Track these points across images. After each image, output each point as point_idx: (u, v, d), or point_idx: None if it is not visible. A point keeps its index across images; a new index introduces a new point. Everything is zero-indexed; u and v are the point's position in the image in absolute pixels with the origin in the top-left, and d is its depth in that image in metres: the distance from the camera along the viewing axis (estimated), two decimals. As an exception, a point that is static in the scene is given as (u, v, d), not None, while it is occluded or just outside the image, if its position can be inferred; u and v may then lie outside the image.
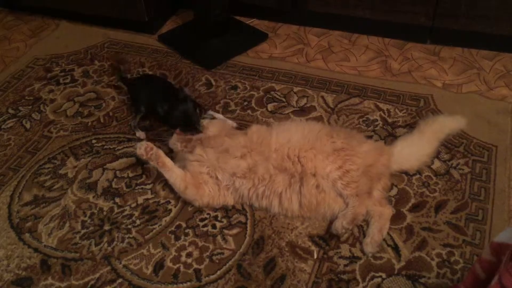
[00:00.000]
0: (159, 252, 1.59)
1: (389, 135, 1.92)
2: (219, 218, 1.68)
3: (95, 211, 1.74)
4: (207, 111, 2.04)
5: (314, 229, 1.62)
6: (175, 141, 1.84)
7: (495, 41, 2.28)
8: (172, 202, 1.75)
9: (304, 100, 2.13)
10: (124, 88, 2.27)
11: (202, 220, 1.68)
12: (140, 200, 1.77)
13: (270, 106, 2.12)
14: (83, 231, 1.68)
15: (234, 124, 2.00)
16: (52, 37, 2.75)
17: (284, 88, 2.21)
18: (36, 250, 1.63)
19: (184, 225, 1.67)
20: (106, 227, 1.69)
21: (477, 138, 1.87)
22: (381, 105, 2.06)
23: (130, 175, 1.87)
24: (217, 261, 1.55)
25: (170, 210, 1.72)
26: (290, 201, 1.63)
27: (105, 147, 2.00)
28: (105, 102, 2.23)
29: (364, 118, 2.01)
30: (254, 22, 2.70)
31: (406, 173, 1.76)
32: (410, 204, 1.67)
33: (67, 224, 1.71)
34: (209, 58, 2.42)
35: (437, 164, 1.79)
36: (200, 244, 1.61)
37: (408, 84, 2.18)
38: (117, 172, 1.88)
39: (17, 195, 1.83)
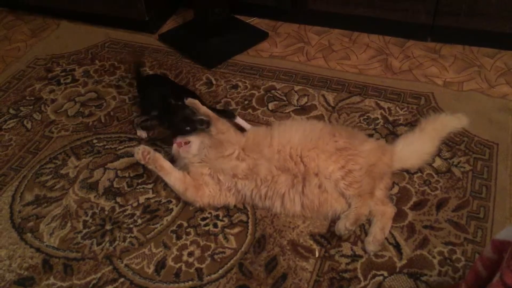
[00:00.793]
0: (161, 251, 1.60)
1: (390, 134, 1.92)
2: (220, 217, 1.68)
3: (97, 211, 1.75)
4: (235, 117, 1.96)
5: (315, 228, 1.62)
6: (176, 148, 1.81)
7: (496, 39, 2.28)
8: (173, 201, 1.75)
9: (305, 99, 2.13)
10: (125, 88, 2.27)
11: (203, 219, 1.68)
12: (142, 199, 1.77)
13: (270, 105, 2.12)
14: (84, 231, 1.68)
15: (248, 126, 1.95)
16: (52, 37, 2.75)
17: (285, 87, 2.21)
18: (38, 249, 1.64)
19: (185, 224, 1.67)
20: (108, 227, 1.69)
21: (478, 136, 1.86)
22: (382, 103, 2.06)
23: (131, 174, 1.87)
24: (218, 260, 1.55)
25: (172, 209, 1.72)
26: (292, 202, 1.63)
27: (106, 146, 2.00)
28: (106, 102, 2.23)
29: (365, 117, 2.01)
30: (254, 21, 2.70)
31: (408, 171, 1.76)
32: (411, 202, 1.67)
33: (69, 224, 1.71)
34: (209, 57, 2.42)
35: (438, 162, 1.78)
36: (201, 243, 1.61)
37: (409, 82, 2.17)
38: (118, 171, 1.89)
39: (19, 195, 1.83)
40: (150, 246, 1.61)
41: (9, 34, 2.82)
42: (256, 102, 2.14)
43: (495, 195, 1.66)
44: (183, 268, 1.54)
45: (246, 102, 2.14)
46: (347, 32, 2.55)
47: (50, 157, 1.97)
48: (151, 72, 2.37)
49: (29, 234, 1.69)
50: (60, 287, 1.52)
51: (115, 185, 1.83)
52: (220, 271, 1.52)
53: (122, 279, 1.53)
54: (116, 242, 1.63)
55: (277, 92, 2.18)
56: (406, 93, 2.10)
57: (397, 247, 1.54)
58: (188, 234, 1.64)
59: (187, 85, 2.25)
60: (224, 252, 1.58)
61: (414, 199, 1.68)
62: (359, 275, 1.48)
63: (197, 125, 1.79)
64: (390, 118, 1.99)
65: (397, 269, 1.48)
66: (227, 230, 1.64)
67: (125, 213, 1.73)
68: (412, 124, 1.93)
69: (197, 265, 1.55)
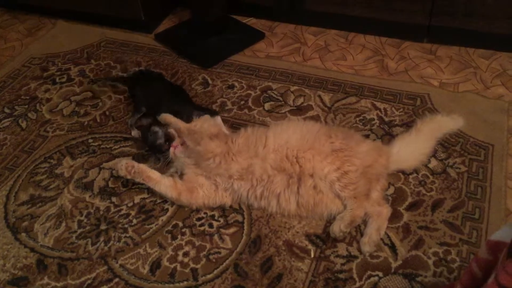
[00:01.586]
0: (156, 251, 1.59)
1: (386, 134, 1.92)
2: (216, 217, 1.68)
3: (92, 211, 1.74)
4: (216, 117, 1.97)
5: (311, 228, 1.62)
6: (173, 151, 1.80)
7: (491, 40, 2.28)
8: (169, 201, 1.74)
9: (301, 99, 2.13)
10: (120, 87, 2.26)
11: (199, 219, 1.68)
12: (137, 199, 1.76)
13: (267, 105, 2.12)
14: (79, 231, 1.68)
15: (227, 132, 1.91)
16: (48, 36, 2.74)
17: (281, 87, 2.21)
18: (32, 249, 1.63)
19: (181, 224, 1.67)
20: (103, 227, 1.68)
21: (473, 137, 1.87)
22: (378, 104, 2.06)
23: (127, 174, 1.86)
24: (214, 260, 1.55)
25: (167, 209, 1.72)
26: (288, 202, 1.63)
27: (102, 146, 1.99)
28: (101, 101, 2.22)
29: (361, 117, 2.01)
30: (251, 21, 2.70)
31: (403, 172, 1.76)
32: (407, 203, 1.67)
33: (64, 224, 1.70)
34: (205, 57, 2.42)
35: (433, 163, 1.79)
36: (197, 243, 1.61)
37: (405, 83, 2.18)
38: (114, 171, 1.88)
39: (13, 194, 1.82)
40: (145, 246, 1.61)
41: (4, 33, 2.81)
42: (252, 102, 2.14)
43: (490, 196, 1.66)
44: (178, 268, 1.54)
45: (242, 102, 2.14)
46: (344, 33, 2.55)
47: (45, 157, 1.97)
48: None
49: (23, 234, 1.68)
50: (55, 287, 1.51)
51: (110, 185, 1.83)
52: (216, 272, 1.52)
53: (116, 279, 1.52)
54: (111, 242, 1.63)
55: (273, 92, 2.18)
56: (402, 94, 2.10)
57: (392, 247, 1.54)
58: (183, 234, 1.64)
59: (183, 85, 2.25)
60: (219, 252, 1.57)
61: (409, 199, 1.68)
62: (354, 275, 1.48)
63: (162, 149, 1.81)
64: (386, 119, 1.99)
65: (392, 270, 1.48)
66: (222, 230, 1.64)
67: (120, 213, 1.72)
68: (408, 125, 1.94)
69: (192, 265, 1.54)
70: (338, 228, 1.54)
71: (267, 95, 2.17)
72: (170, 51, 2.51)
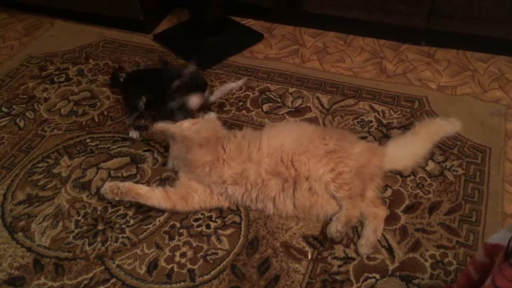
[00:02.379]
0: (153, 252, 1.59)
1: (384, 136, 1.92)
2: (213, 218, 1.68)
3: (89, 211, 1.74)
4: (209, 113, 1.99)
5: (308, 230, 1.62)
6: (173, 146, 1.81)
7: (489, 43, 2.29)
8: (167, 202, 1.74)
9: (300, 101, 2.13)
10: (118, 87, 2.26)
11: (196, 220, 1.68)
12: (134, 199, 1.76)
13: (265, 107, 2.12)
14: (76, 231, 1.67)
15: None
16: (46, 35, 2.73)
17: (280, 89, 2.21)
18: (29, 249, 1.62)
19: (178, 225, 1.67)
20: (100, 227, 1.68)
21: (471, 140, 1.87)
22: (376, 106, 2.07)
23: (125, 174, 1.86)
24: (211, 261, 1.55)
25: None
26: (284, 204, 1.63)
27: (100, 146, 1.99)
28: (99, 101, 2.22)
29: (359, 119, 2.01)
30: (249, 22, 2.70)
31: (401, 174, 1.76)
32: (404, 205, 1.67)
33: (61, 224, 1.70)
34: (204, 58, 2.41)
35: (431, 166, 1.79)
36: (194, 244, 1.61)
37: (403, 85, 2.18)
38: (111, 171, 1.88)
39: (10, 194, 1.82)
40: (142, 246, 1.61)
41: (2, 32, 2.81)
42: (251, 103, 2.14)
43: (487, 199, 1.66)
44: (175, 269, 1.54)
45: (240, 104, 2.14)
46: (342, 35, 2.56)
47: (42, 156, 1.96)
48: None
49: (20, 234, 1.68)
50: (51, 287, 1.51)
51: (108, 185, 1.82)
52: (213, 273, 1.52)
53: (113, 280, 1.52)
54: (108, 242, 1.62)
55: (271, 94, 2.18)
56: (400, 97, 2.11)
57: (390, 250, 1.54)
58: (180, 235, 1.63)
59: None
60: (216, 253, 1.57)
61: (407, 202, 1.68)
62: (352, 277, 1.48)
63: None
64: (384, 121, 2.00)
65: (389, 272, 1.49)
66: (220, 231, 1.64)
67: (117, 213, 1.72)
68: (405, 127, 1.94)
69: (189, 266, 1.54)
70: (334, 228, 1.54)
71: (266, 97, 2.17)
72: (169, 52, 2.51)
